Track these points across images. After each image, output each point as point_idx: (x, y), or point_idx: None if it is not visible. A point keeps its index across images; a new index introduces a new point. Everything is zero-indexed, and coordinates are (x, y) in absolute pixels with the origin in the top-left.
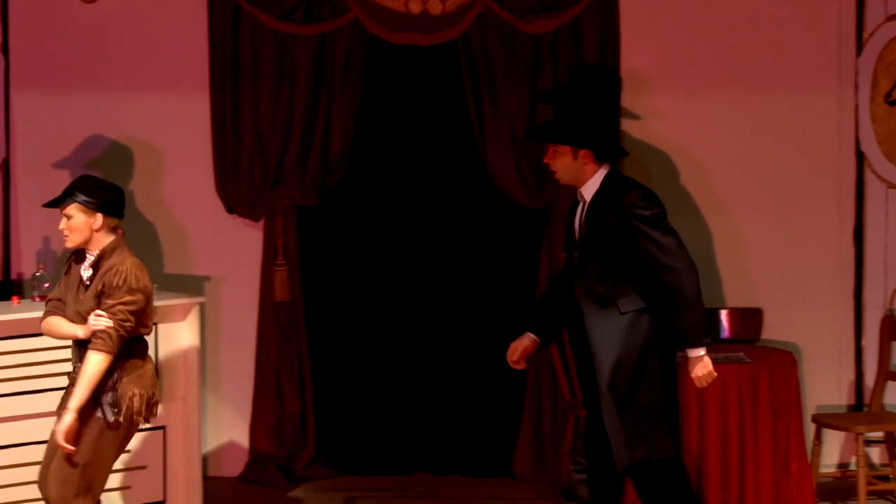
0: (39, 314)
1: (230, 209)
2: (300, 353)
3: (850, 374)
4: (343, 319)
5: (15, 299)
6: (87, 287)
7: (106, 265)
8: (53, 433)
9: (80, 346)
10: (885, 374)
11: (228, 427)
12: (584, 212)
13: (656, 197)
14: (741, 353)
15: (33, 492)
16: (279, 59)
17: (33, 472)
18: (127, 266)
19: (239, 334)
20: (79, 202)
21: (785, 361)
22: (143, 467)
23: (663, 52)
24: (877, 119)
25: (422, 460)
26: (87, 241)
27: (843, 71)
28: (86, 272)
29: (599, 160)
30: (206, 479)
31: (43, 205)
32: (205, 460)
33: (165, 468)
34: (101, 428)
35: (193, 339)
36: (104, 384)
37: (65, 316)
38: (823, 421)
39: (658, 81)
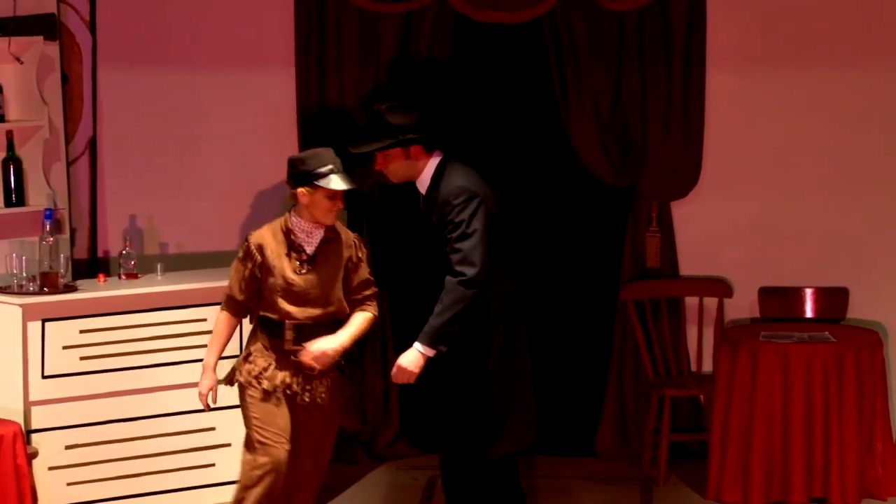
0: (126, 292)
1: None
2: (383, 329)
3: None
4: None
5: (101, 277)
6: None
7: None
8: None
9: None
10: None
11: None
12: (425, 206)
13: (470, 193)
14: (826, 333)
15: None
16: (364, 37)
17: None
18: None
19: None
20: None
21: (871, 341)
22: (227, 445)
23: (750, 29)
24: None
25: None
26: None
27: None
28: None
29: (429, 150)
30: None
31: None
32: None
33: None
34: None
35: None
36: None
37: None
38: None
39: (742, 59)
